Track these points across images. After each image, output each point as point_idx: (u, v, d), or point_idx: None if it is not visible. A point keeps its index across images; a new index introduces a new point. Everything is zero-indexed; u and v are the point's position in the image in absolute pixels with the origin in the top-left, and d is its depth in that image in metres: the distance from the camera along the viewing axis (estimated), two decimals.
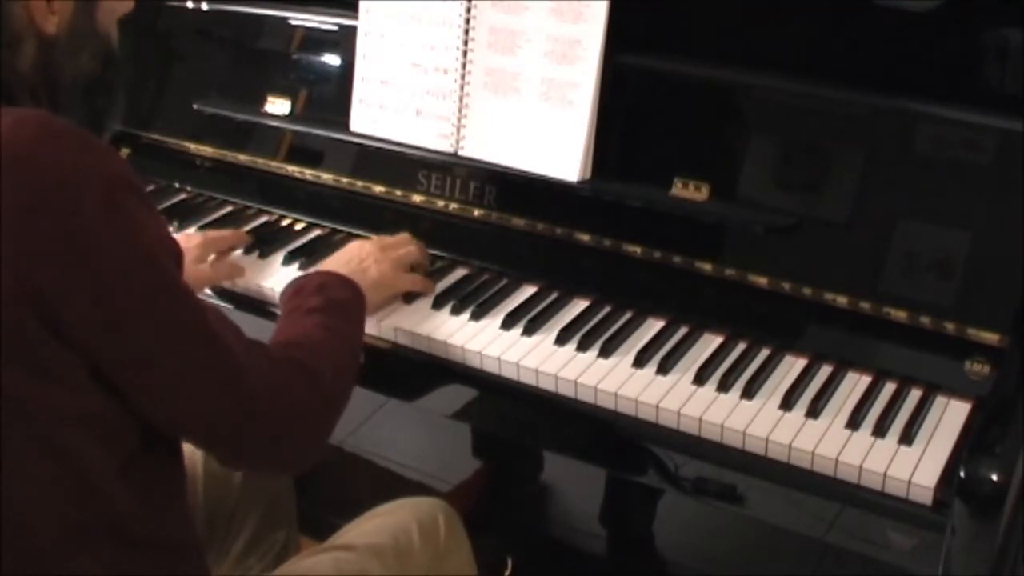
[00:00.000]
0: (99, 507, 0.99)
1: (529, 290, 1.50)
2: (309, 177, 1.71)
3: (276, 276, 1.56)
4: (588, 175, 1.45)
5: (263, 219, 1.74)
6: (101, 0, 1.10)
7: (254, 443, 1.07)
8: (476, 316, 1.43)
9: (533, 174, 1.48)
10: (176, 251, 1.04)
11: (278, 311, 1.40)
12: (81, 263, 0.91)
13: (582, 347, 1.36)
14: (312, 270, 1.40)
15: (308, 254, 1.61)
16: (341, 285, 1.31)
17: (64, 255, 0.91)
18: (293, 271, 1.57)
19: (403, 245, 1.49)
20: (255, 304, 1.56)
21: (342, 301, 1.28)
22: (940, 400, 1.24)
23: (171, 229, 1.71)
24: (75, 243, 0.91)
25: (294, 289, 1.30)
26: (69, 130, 0.94)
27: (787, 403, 1.25)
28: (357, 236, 1.65)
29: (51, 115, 0.96)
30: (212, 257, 1.57)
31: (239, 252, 1.64)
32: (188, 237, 1.58)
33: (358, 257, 1.42)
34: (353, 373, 1.22)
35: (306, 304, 1.25)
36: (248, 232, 1.68)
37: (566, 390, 1.32)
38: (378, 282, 1.40)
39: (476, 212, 1.55)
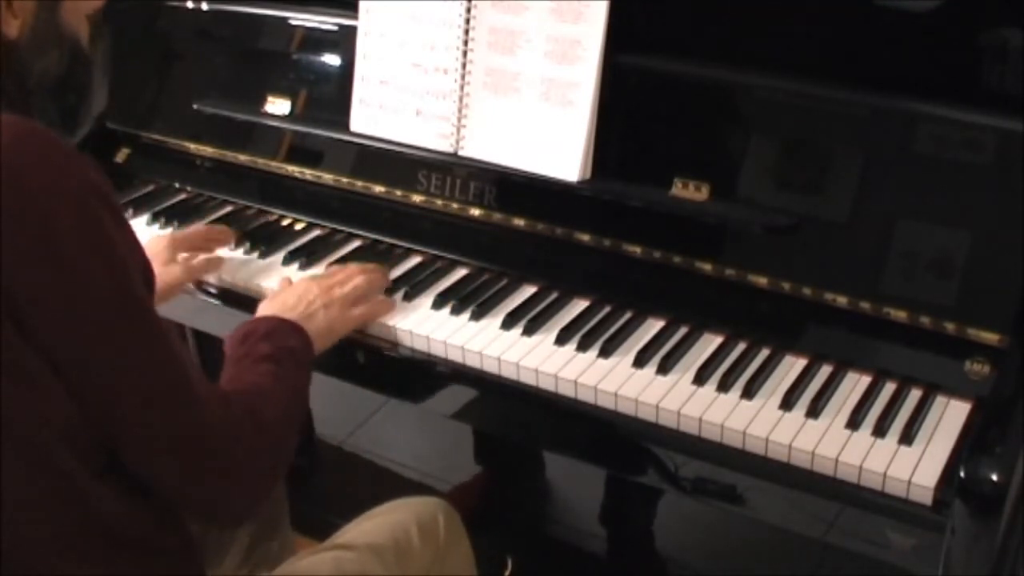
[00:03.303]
0: (84, 508, 0.99)
1: (529, 290, 1.50)
2: (309, 177, 1.71)
3: (277, 276, 1.56)
4: (588, 175, 1.45)
5: (263, 219, 1.74)
6: (65, 0, 1.08)
7: (198, 483, 1.04)
8: (476, 316, 1.43)
9: (533, 174, 1.48)
10: (147, 271, 1.03)
11: None
12: (50, 270, 0.91)
13: (582, 347, 1.36)
14: (257, 315, 1.36)
15: (308, 254, 1.61)
16: (290, 333, 1.27)
17: (34, 261, 0.90)
18: (294, 271, 1.57)
19: (349, 280, 1.43)
20: (256, 306, 1.55)
21: (291, 349, 1.24)
22: (940, 400, 1.24)
23: (170, 230, 1.72)
24: (45, 250, 0.90)
25: (241, 335, 1.25)
26: (44, 136, 0.93)
27: (787, 403, 1.25)
28: (357, 236, 1.66)
29: (26, 120, 0.94)
30: (183, 256, 1.54)
31: (239, 251, 1.64)
32: (156, 240, 1.55)
33: (305, 300, 1.36)
34: (298, 422, 1.19)
35: (255, 351, 1.21)
36: (248, 232, 1.69)
37: (566, 390, 1.32)
38: (326, 330, 1.35)
39: (476, 212, 1.55)
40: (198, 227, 1.63)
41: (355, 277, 1.44)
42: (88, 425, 0.97)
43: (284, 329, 1.27)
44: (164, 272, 1.47)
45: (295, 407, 1.19)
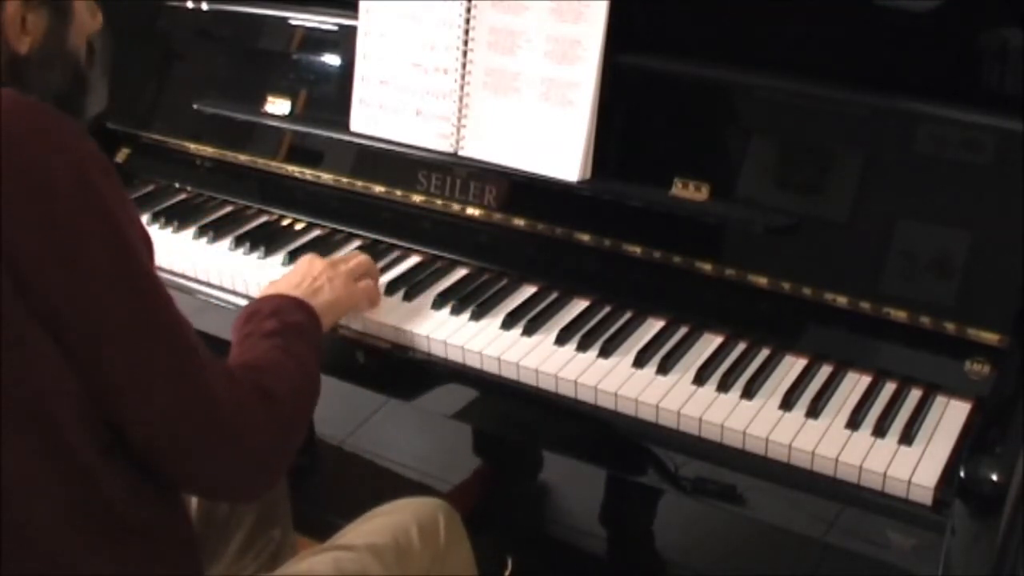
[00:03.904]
0: (88, 488, 0.99)
1: (529, 290, 1.50)
2: (309, 177, 1.71)
3: (278, 276, 1.55)
4: (588, 175, 1.45)
5: (263, 219, 1.74)
6: (74, 21, 1.10)
7: (203, 459, 1.03)
8: (476, 316, 1.43)
9: (533, 174, 1.48)
10: (147, 238, 1.04)
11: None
12: (49, 232, 0.92)
13: (582, 347, 1.36)
14: (262, 294, 1.35)
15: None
16: (295, 309, 1.27)
17: (34, 224, 0.91)
18: None
19: (352, 257, 1.46)
20: None
21: (298, 324, 1.24)
22: (940, 400, 1.24)
23: (170, 230, 1.72)
24: (44, 213, 0.92)
25: (248, 314, 1.25)
26: (41, 106, 0.96)
27: (787, 403, 1.25)
28: (357, 236, 1.66)
29: (21, 94, 0.96)
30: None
31: (239, 251, 1.64)
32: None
33: (310, 276, 1.37)
34: (311, 397, 1.19)
35: (261, 328, 1.20)
36: (248, 232, 1.69)
37: (566, 390, 1.32)
38: (332, 303, 1.35)
39: (476, 212, 1.55)
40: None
41: (359, 255, 1.47)
42: (91, 398, 0.97)
43: (290, 306, 1.27)
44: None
45: (304, 382, 1.17)
